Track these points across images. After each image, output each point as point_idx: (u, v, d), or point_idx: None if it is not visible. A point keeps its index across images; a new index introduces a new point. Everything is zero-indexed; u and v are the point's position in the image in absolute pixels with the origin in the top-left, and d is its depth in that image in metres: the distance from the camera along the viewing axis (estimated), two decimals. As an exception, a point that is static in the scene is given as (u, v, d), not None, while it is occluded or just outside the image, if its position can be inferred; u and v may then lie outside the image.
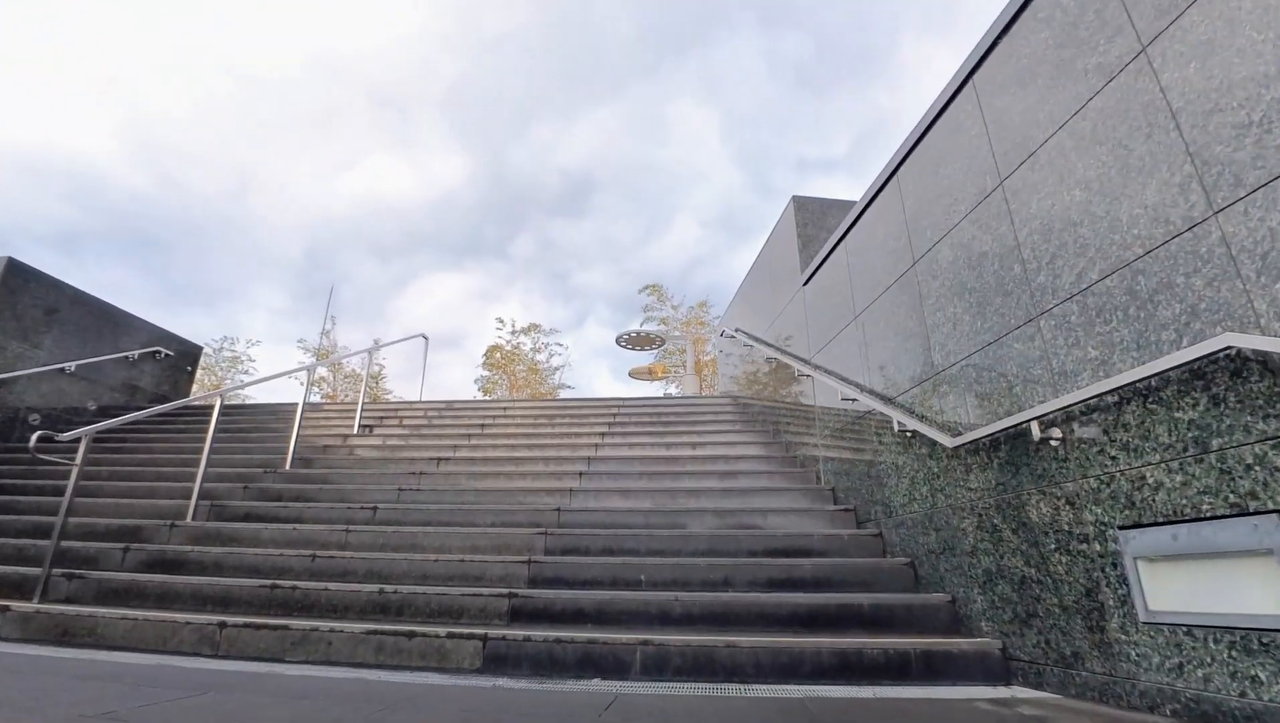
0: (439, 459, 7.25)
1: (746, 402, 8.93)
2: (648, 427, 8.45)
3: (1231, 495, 2.15)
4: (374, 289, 54.11)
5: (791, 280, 6.72)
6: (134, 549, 5.14)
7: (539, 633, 3.58)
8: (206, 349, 25.09)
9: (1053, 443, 2.91)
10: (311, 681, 3.11)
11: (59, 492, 5.89)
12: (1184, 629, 2.34)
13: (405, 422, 9.38)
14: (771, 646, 3.41)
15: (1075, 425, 2.80)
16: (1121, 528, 2.58)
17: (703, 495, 5.87)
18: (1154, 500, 2.43)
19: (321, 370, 24.51)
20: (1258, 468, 2.07)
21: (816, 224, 6.63)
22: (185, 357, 11.99)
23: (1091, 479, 2.72)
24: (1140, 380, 2.41)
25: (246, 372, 25.75)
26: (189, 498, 5.88)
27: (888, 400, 4.56)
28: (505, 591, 4.15)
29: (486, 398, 22.94)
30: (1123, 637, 2.57)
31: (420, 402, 10.71)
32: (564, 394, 25.33)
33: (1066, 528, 2.87)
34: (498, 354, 24.55)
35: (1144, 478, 2.47)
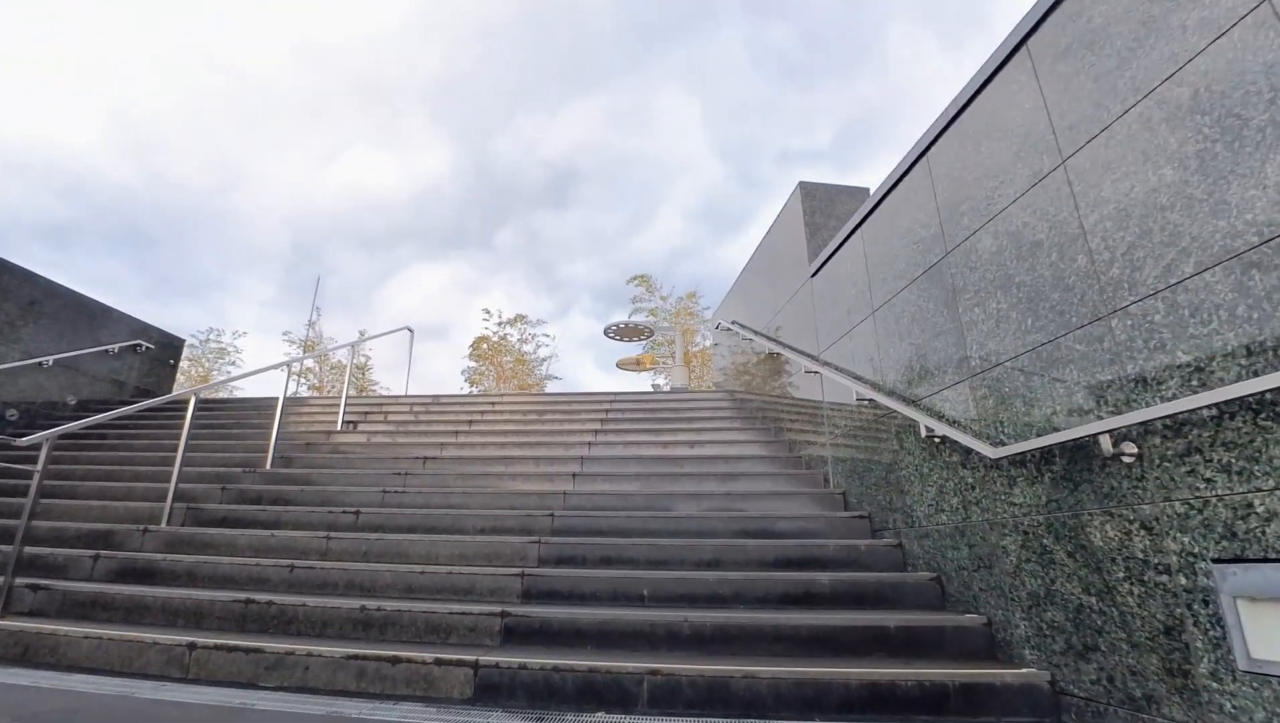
0: (425, 458, 6.83)
1: (744, 397, 8.56)
2: (642, 423, 8.06)
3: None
4: (359, 281, 53.47)
5: (797, 271, 6.33)
6: (104, 557, 4.77)
7: (535, 660, 3.19)
8: (193, 341, 24.79)
9: (1125, 459, 2.54)
10: (286, 718, 2.73)
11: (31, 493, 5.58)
12: (1300, 684, 1.98)
13: (390, 417, 8.95)
14: (793, 675, 3.03)
15: (1158, 441, 2.43)
16: (1217, 562, 2.21)
17: (705, 499, 5.50)
18: (1263, 533, 2.06)
19: (308, 361, 23.99)
20: None
21: (825, 212, 6.24)
22: (168, 350, 11.74)
23: (1177, 503, 2.35)
24: (1252, 395, 2.04)
25: (233, 363, 25.33)
26: (165, 500, 5.48)
27: (911, 402, 4.19)
28: (497, 608, 3.75)
29: (474, 392, 22.50)
30: (1215, 685, 2.21)
31: (406, 396, 10.27)
32: (551, 386, 24.96)
33: (1140, 556, 2.51)
34: (484, 345, 24.08)
35: (1250, 506, 2.10)
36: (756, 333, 7.65)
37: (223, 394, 17.55)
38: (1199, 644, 2.27)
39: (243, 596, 4.01)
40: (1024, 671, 3.05)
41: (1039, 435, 3.02)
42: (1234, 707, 2.15)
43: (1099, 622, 2.71)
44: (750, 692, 3.02)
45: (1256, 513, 2.08)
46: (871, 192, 6.38)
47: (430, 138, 73.84)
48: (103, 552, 4.82)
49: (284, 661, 3.35)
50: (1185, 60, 2.38)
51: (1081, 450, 2.78)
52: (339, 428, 8.24)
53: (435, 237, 65.05)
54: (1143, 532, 2.49)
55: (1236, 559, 2.14)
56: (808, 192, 6.35)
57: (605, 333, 19.70)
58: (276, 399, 7.15)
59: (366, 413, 9.15)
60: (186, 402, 5.82)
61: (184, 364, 23.95)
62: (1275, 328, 2.05)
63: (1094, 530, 2.73)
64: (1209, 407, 2.19)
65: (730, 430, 7.55)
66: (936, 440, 3.89)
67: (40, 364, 9.21)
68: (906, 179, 4.36)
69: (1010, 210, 3.30)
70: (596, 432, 7.66)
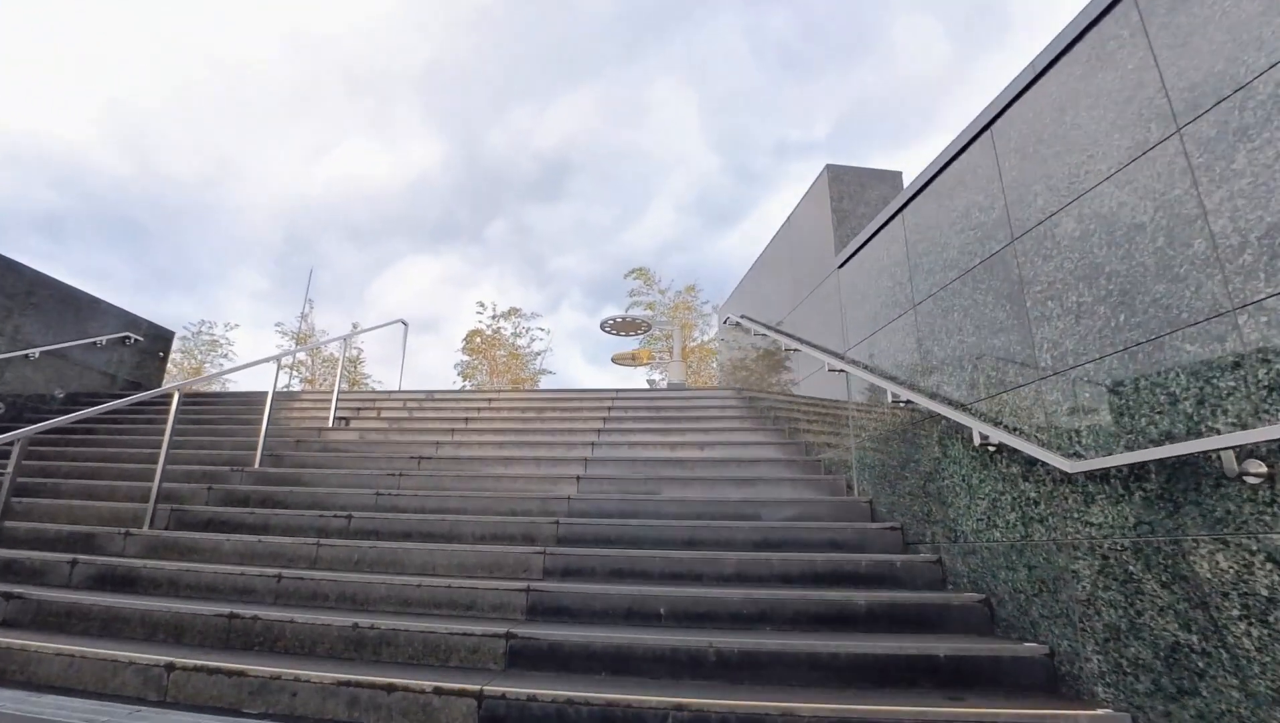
0: (420, 458, 6.46)
1: (754, 396, 8.20)
2: (646, 422, 7.69)
3: None
4: (351, 273, 53.10)
5: (822, 262, 5.97)
6: (82, 563, 4.42)
7: (546, 691, 2.83)
8: (185, 333, 24.43)
9: (1250, 480, 2.18)
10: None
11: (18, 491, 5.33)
12: None
13: (384, 413, 8.57)
14: (838, 713, 2.67)
15: (1303, 460, 2.07)
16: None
17: (720, 506, 5.14)
18: None
19: (301, 354, 23.59)
20: None
21: (854, 197, 5.87)
22: (157, 342, 11.50)
23: (1323, 533, 1.99)
24: None
25: (225, 356, 24.95)
26: (149, 501, 5.14)
27: (960, 407, 3.83)
28: (501, 629, 3.38)
29: (470, 389, 22.14)
30: (1370, 752, 1.86)
31: (399, 391, 9.87)
32: (545, 380, 24.59)
33: (1265, 593, 2.15)
34: (478, 339, 23.67)
35: None
36: (770, 328, 7.28)
37: (216, 386, 17.13)
38: (1349, 702, 1.92)
39: (226, 609, 3.64)
40: (1100, 712, 2.70)
41: (1129, 449, 2.66)
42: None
43: (1200, 664, 2.36)
44: (791, 733, 2.67)
45: None
46: (905, 175, 6.10)
47: (421, 129, 73.57)
48: (81, 557, 4.47)
49: (269, 685, 3.01)
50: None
51: (1188, 468, 2.42)
52: (330, 425, 7.86)
53: (426, 229, 64.84)
54: (1270, 565, 2.14)
55: None
56: (835, 176, 5.97)
57: (602, 327, 19.32)
58: (267, 394, 6.77)
59: (359, 409, 8.76)
60: (171, 397, 5.42)
61: (176, 356, 23.71)
62: None
63: (1199, 560, 2.37)
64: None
65: (741, 430, 7.20)
66: (991, 449, 3.54)
67: (27, 356, 9.03)
68: (963, 157, 3.99)
69: (1101, 189, 2.93)
70: (599, 431, 7.29)
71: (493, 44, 72.31)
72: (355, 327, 25.74)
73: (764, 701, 2.75)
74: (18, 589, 3.95)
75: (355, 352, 23.40)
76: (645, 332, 20.97)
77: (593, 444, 6.76)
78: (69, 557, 4.46)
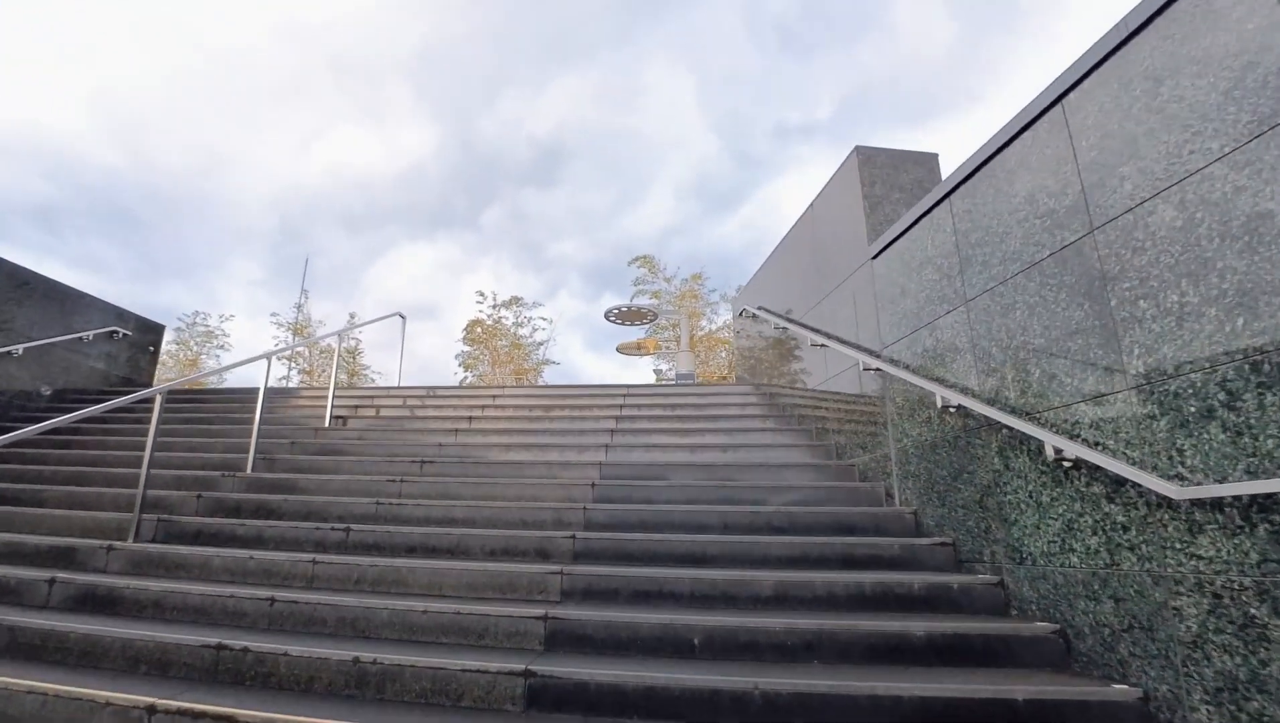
0: (422, 461, 6.12)
1: (775, 392, 7.86)
2: (662, 422, 7.36)
3: None
4: (346, 261, 52.80)
5: (852, 252, 5.61)
6: (61, 582, 4.08)
7: (574, 747, 2.51)
8: (179, 324, 24.16)
9: None
10: None
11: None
12: None
13: (383, 412, 8.24)
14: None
15: None
16: None
17: (750, 518, 4.80)
18: None
19: (297, 346, 23.27)
20: None
21: (887, 182, 5.50)
22: (147, 336, 11.31)
23: None
24: None
25: (221, 347, 24.63)
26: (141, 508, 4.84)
27: (1026, 415, 3.49)
28: (519, 665, 3.04)
29: (472, 384, 21.81)
30: None
31: (399, 388, 9.54)
32: (548, 371, 24.25)
33: None
34: (478, 329, 23.31)
35: None
36: (794, 322, 6.94)
37: (212, 381, 16.84)
38: None
39: (214, 639, 3.31)
40: (1211, 771, 2.37)
41: (1253, 474, 2.32)
42: None
43: (1347, 728, 2.03)
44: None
45: None
46: (941, 157, 5.74)
47: (414, 115, 72.93)
48: (60, 575, 4.13)
49: (258, 735, 2.70)
50: None
51: (1336, 499, 2.08)
52: (327, 424, 7.52)
53: (421, 216, 64.55)
54: None
55: None
56: (866, 158, 5.60)
57: (606, 316, 19.00)
58: (259, 391, 6.44)
59: (357, 407, 8.42)
60: (156, 398, 5.08)
61: (171, 348, 23.49)
62: None
63: (1350, 607, 2.03)
64: None
65: (763, 431, 6.86)
66: (1066, 465, 3.20)
67: (11, 353, 8.82)
68: (1026, 136, 3.62)
69: (1212, 171, 2.56)
70: (612, 432, 6.95)
71: (484, 26, 71.56)
72: (352, 317, 25.45)
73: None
74: (-12, 615, 3.65)
75: (353, 342, 23.07)
76: (651, 321, 20.62)
77: (606, 447, 6.43)
78: (48, 575, 4.14)
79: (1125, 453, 2.89)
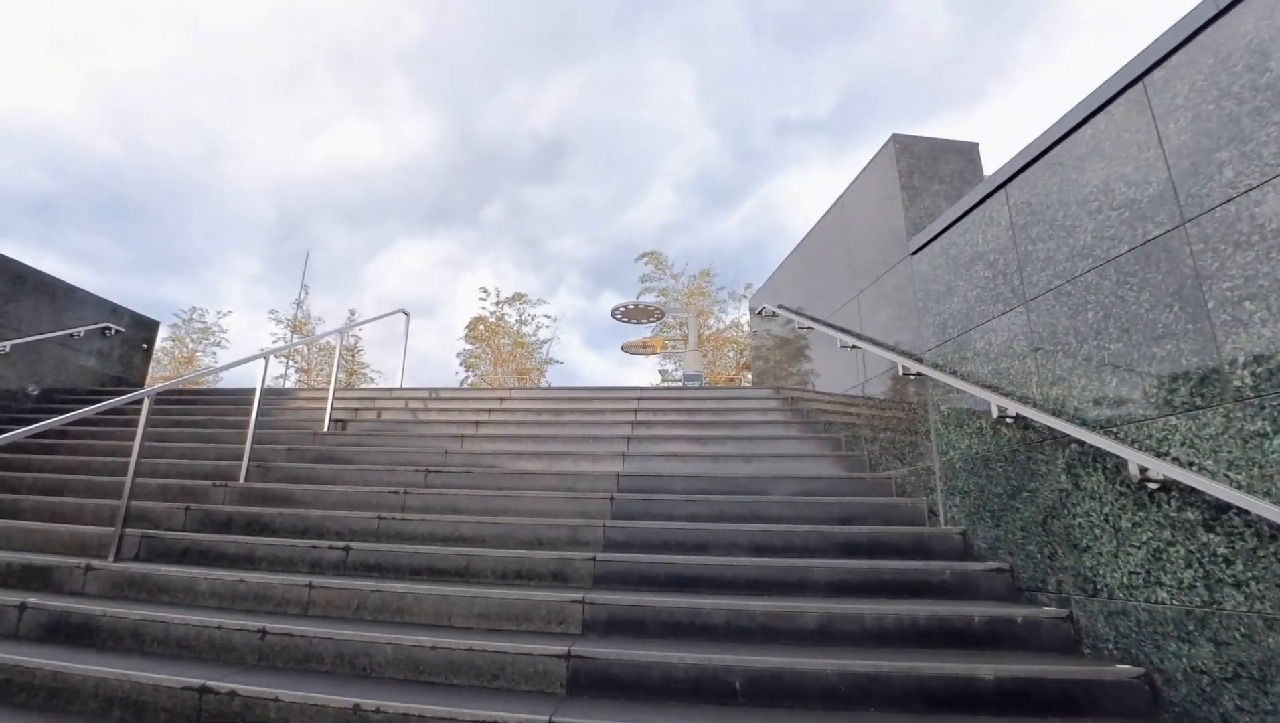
0: (427, 471, 5.83)
1: (795, 396, 7.55)
2: (679, 429, 7.07)
3: None
4: (346, 256, 52.58)
5: (888, 248, 5.31)
6: (32, 608, 3.78)
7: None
8: (175, 320, 23.91)
9: None
10: None
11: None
12: None
13: (385, 415, 7.97)
14: None
15: None
16: None
17: (784, 538, 4.51)
18: None
19: (296, 342, 23.01)
20: None
21: (926, 173, 5.19)
22: (140, 332, 11.10)
23: None
24: None
25: (218, 344, 24.36)
26: (124, 522, 4.54)
27: (1102, 429, 3.19)
28: (543, 717, 2.74)
29: (477, 386, 21.55)
30: None
31: (401, 389, 9.25)
32: (552, 370, 23.98)
33: None
34: (481, 327, 23.02)
35: None
36: (819, 322, 6.63)
37: (207, 380, 16.59)
38: None
39: (197, 680, 3.02)
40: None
41: None
42: None
43: None
44: None
45: None
46: (978, 145, 5.43)
47: (414, 106, 72.66)
48: (31, 600, 3.82)
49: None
50: None
51: None
52: (326, 429, 7.24)
53: (421, 211, 64.40)
54: None
55: None
56: (904, 147, 5.28)
57: (612, 315, 18.73)
58: (255, 391, 6.16)
59: (357, 410, 8.14)
60: (145, 401, 4.79)
61: (166, 345, 23.23)
62: None
63: None
64: None
65: (788, 440, 6.56)
66: (1153, 486, 2.89)
67: None
68: (1099, 119, 3.30)
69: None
70: (628, 439, 6.66)
71: (485, 16, 71.18)
72: (352, 314, 25.24)
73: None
74: (-48, 649, 3.37)
75: (352, 340, 22.80)
76: (658, 319, 20.35)
77: (623, 456, 6.13)
78: (18, 599, 3.84)
79: (1227, 475, 2.58)
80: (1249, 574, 2.50)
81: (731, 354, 23.88)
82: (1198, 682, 2.69)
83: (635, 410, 7.64)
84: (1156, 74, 3.01)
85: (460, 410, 7.99)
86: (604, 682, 3.15)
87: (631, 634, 3.58)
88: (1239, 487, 2.52)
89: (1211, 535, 2.65)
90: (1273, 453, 2.43)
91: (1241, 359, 2.56)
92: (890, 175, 5.30)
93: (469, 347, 23.36)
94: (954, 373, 4.38)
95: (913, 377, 4.83)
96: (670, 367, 24.56)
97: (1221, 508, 2.60)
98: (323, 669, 3.35)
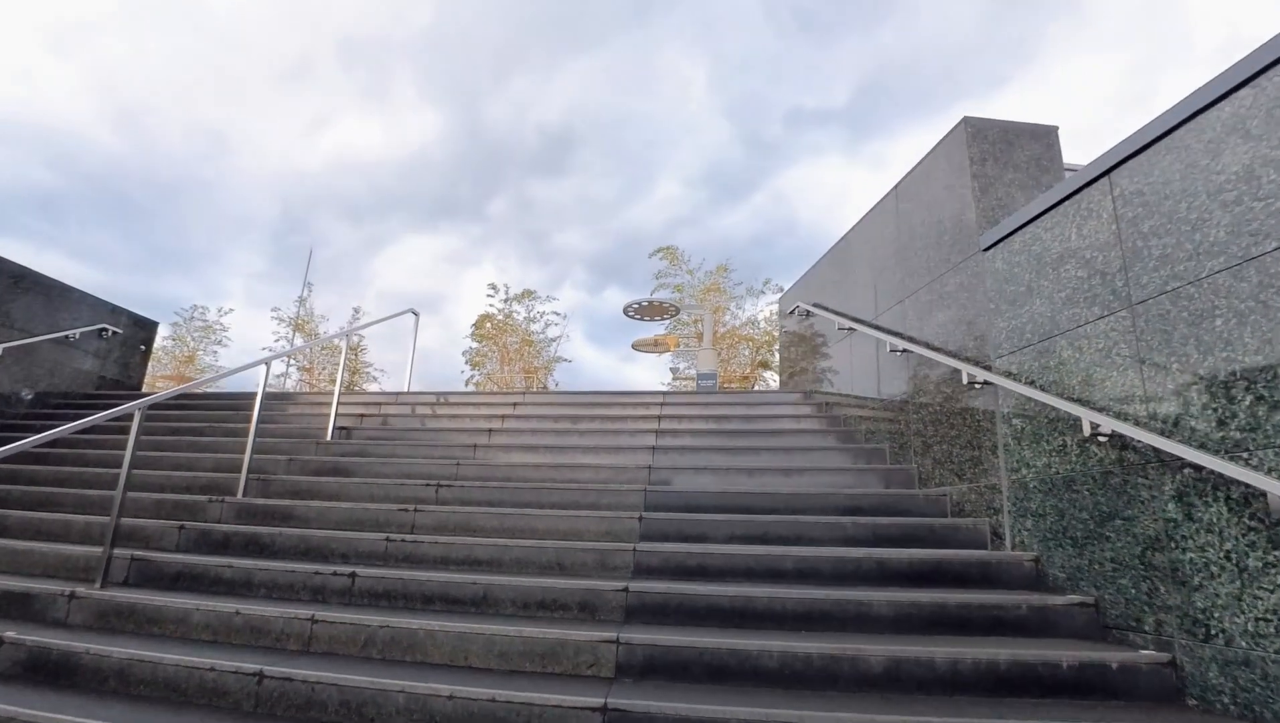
0: (438, 485, 5.49)
1: (833, 402, 7.18)
2: (707, 438, 6.73)
3: None
4: (348, 252, 52.38)
5: (954, 243, 4.93)
6: (9, 643, 3.44)
7: None
8: (176, 319, 23.67)
9: None
10: None
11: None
12: None
13: (391, 422, 7.65)
14: None
15: None
16: None
17: (836, 564, 4.15)
18: None
19: (298, 341, 22.71)
20: None
21: (1000, 160, 4.81)
22: (139, 333, 10.90)
23: None
24: None
25: (219, 342, 24.08)
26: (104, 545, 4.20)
27: (1228, 454, 2.81)
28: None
29: (487, 390, 21.23)
30: None
31: (408, 393, 8.92)
32: (560, 370, 23.65)
33: None
34: (488, 324, 22.68)
35: None
36: (861, 323, 6.27)
37: (210, 387, 16.40)
38: None
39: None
40: None
41: None
42: None
43: None
44: None
45: None
46: (1056, 131, 5.04)
47: (420, 99, 72.47)
48: (9, 634, 3.47)
49: None
50: None
51: None
52: (329, 437, 6.91)
53: (425, 205, 64.28)
54: None
55: None
56: (977, 131, 4.89)
57: (625, 312, 18.39)
58: (254, 398, 5.83)
59: (362, 416, 7.80)
60: (135, 415, 4.46)
61: (167, 344, 22.95)
62: None
63: None
64: None
65: (827, 451, 6.20)
66: (1303, 524, 2.51)
67: None
68: (1243, 93, 2.90)
69: None
70: (653, 449, 6.30)
71: (491, 8, 70.84)
72: (356, 312, 24.87)
73: None
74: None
75: (356, 339, 22.48)
76: (673, 316, 20.01)
77: (649, 468, 5.77)
78: (-10, 630, 3.53)
79: None
80: None
81: (746, 352, 23.49)
82: (1361, 760, 2.32)
83: (659, 417, 7.28)
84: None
85: (471, 417, 7.65)
86: (648, 740, 2.79)
87: (672, 679, 3.22)
88: None
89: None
90: None
91: None
92: (959, 163, 4.92)
93: (475, 345, 23.05)
94: (1031, 383, 4.01)
95: (978, 386, 4.47)
96: (682, 365, 24.18)
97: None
98: (325, 720, 3.00)
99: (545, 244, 53.01)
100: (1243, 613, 2.74)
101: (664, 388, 21.84)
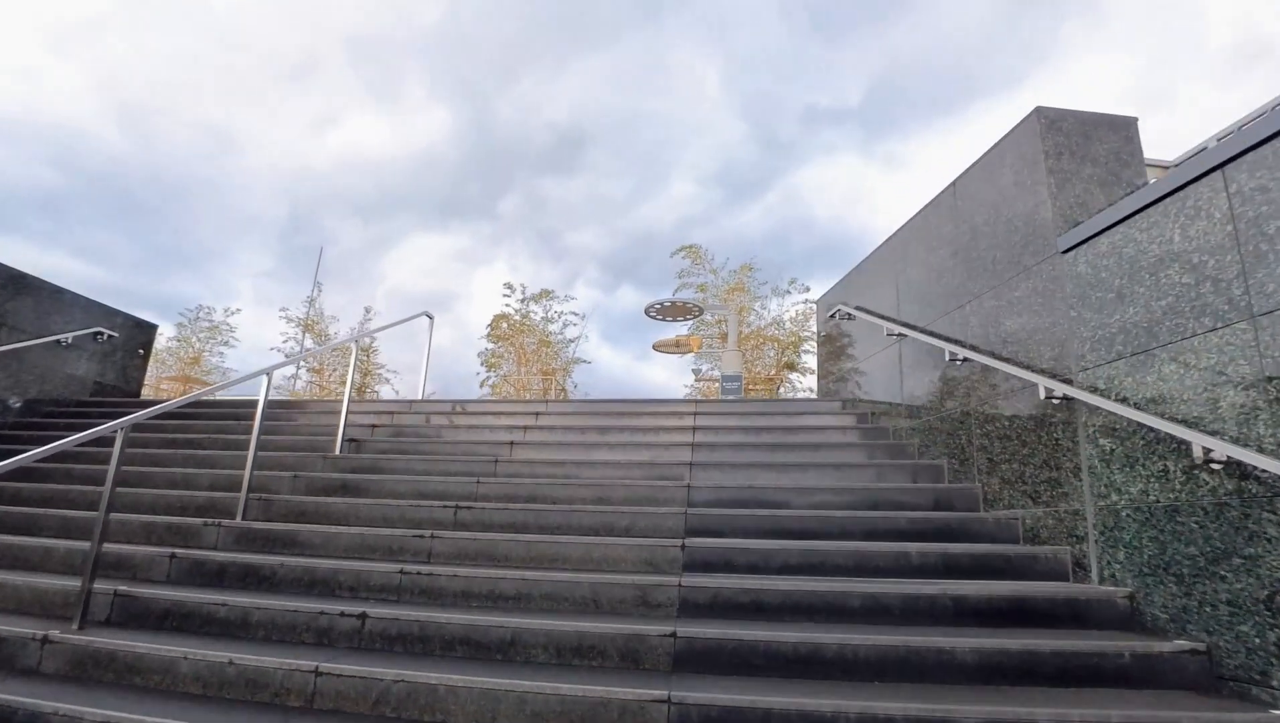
0: (456, 505, 5.21)
1: (879, 412, 6.84)
2: (748, 452, 6.43)
3: None
4: (357, 251, 52.37)
5: (1025, 242, 4.60)
6: None
7: None
8: (181, 319, 23.55)
9: None
10: None
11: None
12: None
13: (404, 432, 7.40)
14: None
15: None
16: None
17: (910, 603, 3.82)
18: None
19: (307, 342, 22.47)
20: None
21: (1077, 154, 4.46)
22: (136, 337, 10.75)
23: None
24: None
25: (225, 343, 23.87)
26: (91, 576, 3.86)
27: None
28: None
29: (506, 395, 20.95)
30: None
31: (422, 401, 8.68)
32: (579, 371, 23.33)
33: None
34: (504, 324, 22.39)
35: None
36: (912, 328, 5.93)
37: (222, 395, 16.20)
38: None
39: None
40: None
41: None
42: None
43: None
44: None
45: None
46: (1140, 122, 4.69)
47: (429, 98, 72.46)
48: None
49: None
50: None
51: None
52: (338, 450, 6.61)
53: (435, 204, 64.42)
54: None
55: None
56: (1051, 122, 4.54)
57: (647, 313, 18.09)
58: (258, 402, 5.53)
59: (374, 427, 7.54)
60: (118, 435, 4.16)
61: (172, 344, 22.77)
62: None
63: None
64: None
65: (877, 467, 5.86)
66: None
67: None
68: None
69: None
70: (689, 465, 5.98)
71: (501, 4, 70.62)
72: (367, 312, 24.63)
73: None
74: None
75: (367, 341, 22.25)
76: (696, 316, 19.66)
77: (688, 487, 5.44)
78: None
79: None
80: None
81: (771, 353, 23.11)
82: None
83: (693, 427, 6.98)
84: None
85: (490, 427, 7.37)
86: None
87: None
88: None
89: None
90: None
91: None
92: (1032, 156, 4.57)
93: (491, 346, 22.76)
94: (1124, 400, 3.67)
95: (1057, 401, 4.13)
96: (704, 367, 23.83)
97: None
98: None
99: (557, 243, 52.88)
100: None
101: (695, 396, 21.52)
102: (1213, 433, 3.15)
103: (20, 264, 8.79)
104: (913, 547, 4.36)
